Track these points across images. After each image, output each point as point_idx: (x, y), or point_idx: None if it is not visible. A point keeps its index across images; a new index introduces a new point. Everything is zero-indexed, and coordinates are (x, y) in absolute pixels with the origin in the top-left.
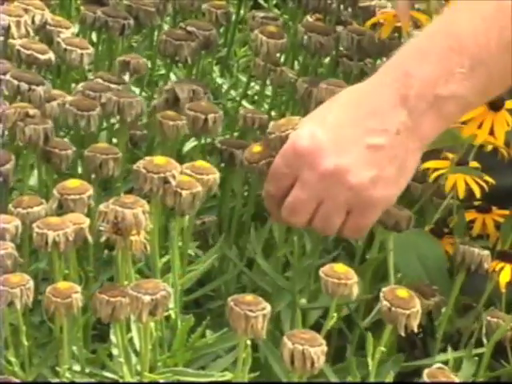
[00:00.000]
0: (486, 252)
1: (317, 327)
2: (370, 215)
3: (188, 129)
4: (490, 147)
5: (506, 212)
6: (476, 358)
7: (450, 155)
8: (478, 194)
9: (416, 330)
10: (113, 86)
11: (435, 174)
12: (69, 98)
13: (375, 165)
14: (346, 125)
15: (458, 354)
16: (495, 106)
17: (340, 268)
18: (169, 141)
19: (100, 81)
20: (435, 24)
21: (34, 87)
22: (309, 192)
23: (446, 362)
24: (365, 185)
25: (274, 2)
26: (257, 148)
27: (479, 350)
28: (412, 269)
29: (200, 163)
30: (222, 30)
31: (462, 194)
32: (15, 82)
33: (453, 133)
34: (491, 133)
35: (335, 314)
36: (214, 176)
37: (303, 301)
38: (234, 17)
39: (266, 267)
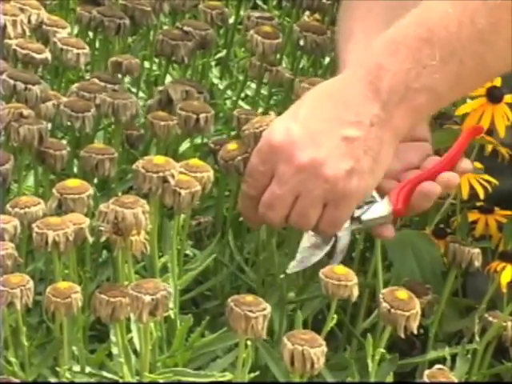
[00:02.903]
0: (477, 250)
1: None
2: (346, 207)
3: (180, 128)
4: (489, 147)
5: (509, 213)
6: (469, 356)
7: None
8: (481, 195)
9: (415, 331)
10: (109, 86)
11: None
12: (63, 99)
13: (350, 156)
14: (319, 118)
15: (450, 351)
16: (495, 98)
17: (340, 270)
18: (161, 141)
19: (96, 81)
20: (409, 15)
21: (30, 87)
22: (285, 186)
23: (440, 360)
24: (341, 177)
25: (274, 2)
26: (232, 146)
27: (476, 348)
28: (407, 268)
29: (194, 161)
30: (222, 31)
31: (465, 194)
32: (11, 82)
33: (453, 132)
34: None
35: (335, 316)
36: (208, 174)
37: (291, 294)
38: (233, 18)
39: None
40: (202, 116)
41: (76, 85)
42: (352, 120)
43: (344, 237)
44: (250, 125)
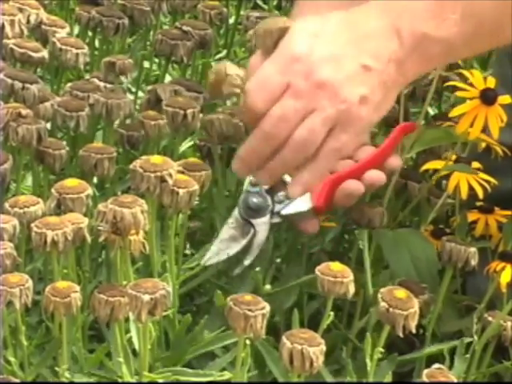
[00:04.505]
0: (473, 249)
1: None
2: (352, 134)
3: (168, 125)
4: (483, 145)
5: (509, 213)
6: (467, 356)
7: (453, 156)
8: (480, 195)
9: (414, 330)
10: (109, 86)
11: (438, 175)
12: (57, 99)
13: (367, 85)
14: (342, 41)
15: (447, 347)
16: (488, 100)
17: (336, 266)
18: (152, 140)
19: (96, 81)
20: None
21: (27, 86)
22: (301, 101)
23: (439, 360)
24: (355, 101)
25: (274, 2)
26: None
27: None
28: (403, 267)
29: (192, 160)
30: (222, 31)
31: (464, 194)
32: (9, 81)
33: (447, 131)
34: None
35: (331, 313)
36: (207, 172)
37: (267, 287)
38: (233, 18)
39: None
40: (189, 112)
41: (69, 84)
42: (372, 51)
43: (261, 232)
44: (263, 23)
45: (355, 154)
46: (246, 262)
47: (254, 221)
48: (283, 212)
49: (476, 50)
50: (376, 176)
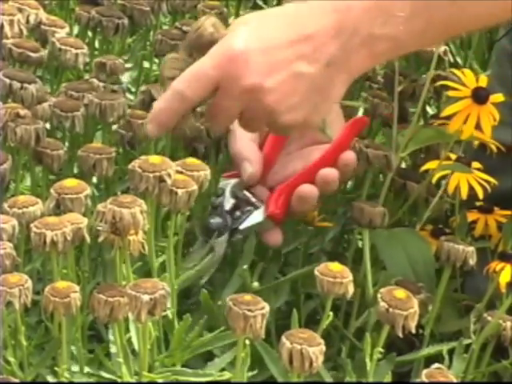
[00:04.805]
0: (471, 248)
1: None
2: (286, 134)
3: None
4: (476, 143)
5: (509, 212)
6: (465, 355)
7: (453, 156)
8: (480, 195)
9: (414, 330)
10: (108, 86)
11: (437, 174)
12: (53, 99)
13: (298, 92)
14: (279, 44)
15: (446, 347)
16: (480, 99)
17: (335, 267)
18: (140, 140)
19: (95, 81)
20: None
21: (26, 85)
22: (230, 101)
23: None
24: (281, 110)
25: (274, 2)
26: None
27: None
28: (399, 267)
29: (190, 160)
30: None
31: (464, 195)
32: (7, 81)
33: (441, 130)
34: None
35: (331, 313)
36: (205, 172)
37: (255, 284)
38: (233, 18)
39: None
40: None
41: (64, 84)
42: (309, 54)
43: (219, 247)
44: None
45: (309, 154)
46: (202, 281)
47: (213, 241)
48: (241, 227)
49: (427, 45)
50: (328, 172)
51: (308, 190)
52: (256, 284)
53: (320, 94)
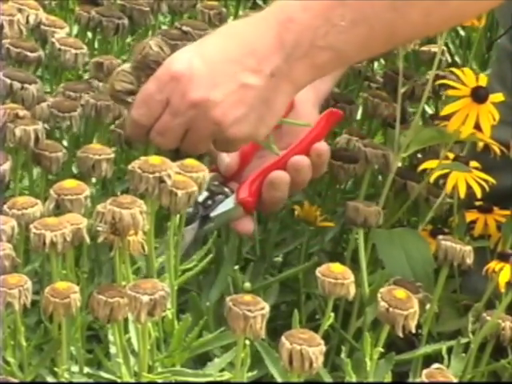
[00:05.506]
0: (469, 247)
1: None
2: (233, 148)
3: None
4: (481, 144)
5: (508, 212)
6: (464, 355)
7: (451, 155)
8: (479, 194)
9: (414, 330)
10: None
11: (436, 174)
12: (50, 100)
13: (244, 104)
14: (223, 57)
15: (445, 346)
16: (480, 98)
17: (337, 268)
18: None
19: (95, 81)
20: None
21: (26, 86)
22: (177, 119)
23: (438, 359)
24: (230, 122)
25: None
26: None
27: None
28: (398, 266)
29: (189, 161)
30: None
31: (462, 194)
32: (8, 81)
33: (441, 130)
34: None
35: (332, 314)
36: (204, 173)
37: (247, 284)
38: (232, 18)
39: None
40: None
41: (62, 85)
42: (254, 67)
43: (188, 235)
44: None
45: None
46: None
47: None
48: (212, 214)
49: (370, 54)
50: (298, 159)
51: (279, 175)
52: (248, 284)
53: (266, 105)
